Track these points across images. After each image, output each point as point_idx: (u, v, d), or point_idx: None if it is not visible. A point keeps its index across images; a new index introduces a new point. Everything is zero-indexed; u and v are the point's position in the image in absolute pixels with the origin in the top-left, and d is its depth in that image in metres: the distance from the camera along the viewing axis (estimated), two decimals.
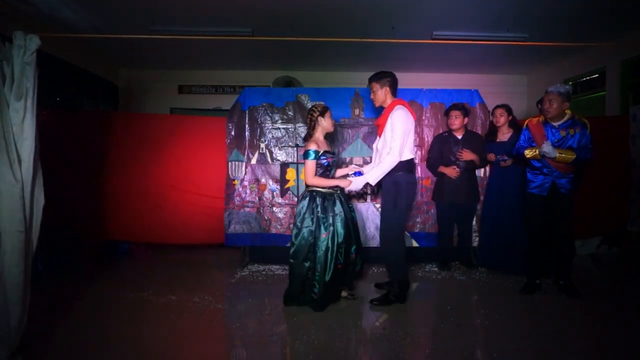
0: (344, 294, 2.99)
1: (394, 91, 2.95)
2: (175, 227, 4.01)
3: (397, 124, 2.77)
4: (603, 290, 3.21)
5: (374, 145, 3.10)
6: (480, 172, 3.92)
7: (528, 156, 3.04)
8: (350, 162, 3.89)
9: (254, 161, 3.92)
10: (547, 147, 2.90)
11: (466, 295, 3.18)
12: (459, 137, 3.69)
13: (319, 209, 2.77)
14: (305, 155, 2.77)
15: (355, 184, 2.85)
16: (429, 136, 3.98)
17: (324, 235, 2.74)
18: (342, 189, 2.90)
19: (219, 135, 3.96)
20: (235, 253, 4.18)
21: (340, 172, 3.04)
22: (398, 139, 2.75)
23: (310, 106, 3.92)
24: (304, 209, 2.79)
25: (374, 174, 2.83)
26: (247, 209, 3.89)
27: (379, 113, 3.96)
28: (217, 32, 4.58)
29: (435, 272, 3.74)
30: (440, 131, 3.92)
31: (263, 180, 3.91)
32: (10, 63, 1.95)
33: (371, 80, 2.96)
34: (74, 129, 3.91)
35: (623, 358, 2.21)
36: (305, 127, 3.96)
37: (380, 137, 2.96)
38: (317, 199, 2.80)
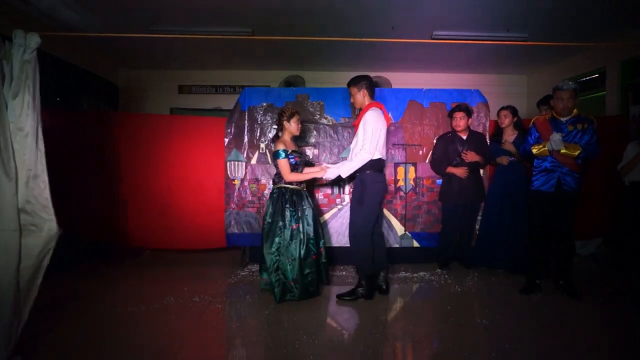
0: None
1: (372, 93, 3.07)
2: (180, 231, 4.00)
3: (368, 123, 2.90)
4: (603, 291, 3.21)
5: (350, 146, 3.20)
6: (481, 171, 3.94)
7: (535, 152, 3.03)
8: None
9: (254, 161, 3.92)
10: (556, 137, 2.89)
11: (466, 294, 3.18)
12: (464, 137, 3.71)
13: (287, 204, 2.95)
14: (276, 155, 2.96)
15: (329, 174, 3.02)
16: (430, 136, 3.99)
17: (294, 226, 2.93)
18: (308, 187, 3.11)
19: (220, 136, 3.96)
20: (235, 253, 4.18)
21: (307, 170, 3.20)
22: (369, 137, 2.88)
23: (309, 107, 3.97)
24: (274, 204, 2.97)
25: (346, 168, 2.99)
26: (247, 209, 3.89)
27: None
28: (217, 32, 4.58)
29: (436, 272, 3.74)
30: (441, 131, 3.93)
31: (263, 180, 3.91)
32: (10, 62, 1.95)
33: (349, 84, 3.10)
34: (75, 129, 3.90)
35: (623, 358, 2.21)
36: (306, 126, 3.98)
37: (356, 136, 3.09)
38: (286, 194, 2.98)
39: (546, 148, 2.96)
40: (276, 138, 3.12)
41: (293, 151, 3.02)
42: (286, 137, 3.06)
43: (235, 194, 3.90)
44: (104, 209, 3.92)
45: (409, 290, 3.33)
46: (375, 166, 2.97)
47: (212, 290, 3.20)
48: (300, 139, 3.62)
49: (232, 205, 3.89)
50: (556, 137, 2.90)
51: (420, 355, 2.28)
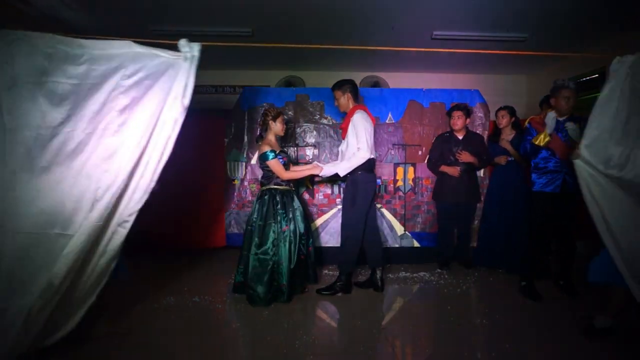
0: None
1: (355, 96, 3.16)
2: (180, 231, 4.00)
3: (358, 125, 2.96)
4: (603, 291, 3.21)
5: (339, 148, 3.26)
6: (480, 172, 3.93)
7: (537, 143, 2.99)
8: None
9: (253, 161, 3.92)
10: (551, 115, 2.90)
11: (466, 295, 3.18)
12: (460, 137, 3.70)
13: (278, 205, 2.95)
14: (264, 157, 2.92)
15: (326, 171, 3.03)
16: (429, 136, 3.99)
17: (285, 228, 2.92)
18: (296, 187, 3.09)
19: (220, 136, 3.96)
20: (235, 253, 4.17)
21: (299, 167, 3.22)
22: (363, 137, 2.93)
23: (309, 107, 3.97)
24: (266, 206, 2.94)
25: (343, 166, 3.01)
26: (247, 209, 3.89)
27: (377, 112, 3.99)
28: (217, 32, 4.58)
29: (435, 272, 3.74)
30: (441, 131, 3.93)
31: None
32: (180, 69, 2.12)
33: (333, 88, 3.18)
34: None
35: (623, 357, 2.21)
36: (306, 126, 3.99)
37: (344, 139, 3.13)
38: (277, 196, 2.98)
39: (546, 131, 2.93)
40: (260, 138, 3.11)
41: (281, 151, 3.04)
42: (271, 137, 3.05)
43: (235, 194, 3.90)
44: None
45: (409, 290, 3.33)
46: (365, 166, 3.01)
47: (212, 290, 3.20)
48: (284, 140, 3.63)
49: (232, 205, 3.90)
50: (551, 115, 2.90)
51: (420, 355, 2.29)
